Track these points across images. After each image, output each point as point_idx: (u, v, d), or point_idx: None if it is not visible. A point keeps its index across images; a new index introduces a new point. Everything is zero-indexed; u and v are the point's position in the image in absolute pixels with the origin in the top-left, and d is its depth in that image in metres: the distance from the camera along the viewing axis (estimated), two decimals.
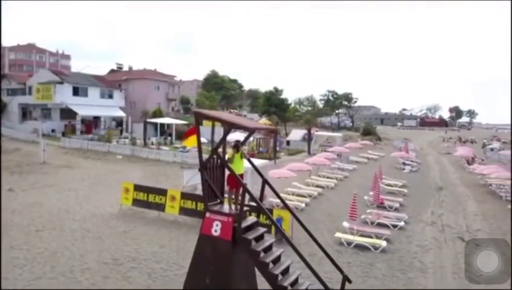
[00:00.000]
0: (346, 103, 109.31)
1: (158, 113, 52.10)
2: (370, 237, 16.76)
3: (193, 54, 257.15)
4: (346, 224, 17.60)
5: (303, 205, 21.37)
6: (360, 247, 15.81)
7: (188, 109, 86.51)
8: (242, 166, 9.73)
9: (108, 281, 11.58)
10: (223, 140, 9.48)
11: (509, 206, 25.17)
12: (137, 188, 18.80)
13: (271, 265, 9.06)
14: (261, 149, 43.82)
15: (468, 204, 25.98)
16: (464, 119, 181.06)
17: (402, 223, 19.18)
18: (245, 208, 9.59)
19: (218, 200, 10.12)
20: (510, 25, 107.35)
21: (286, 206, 10.64)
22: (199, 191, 20.40)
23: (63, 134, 45.64)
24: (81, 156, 35.10)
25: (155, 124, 48.72)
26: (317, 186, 27.32)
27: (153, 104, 57.76)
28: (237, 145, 9.57)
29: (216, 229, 9.37)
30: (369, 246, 15.74)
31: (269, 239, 9.85)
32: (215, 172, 9.99)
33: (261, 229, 9.87)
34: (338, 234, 16.67)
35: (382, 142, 66.37)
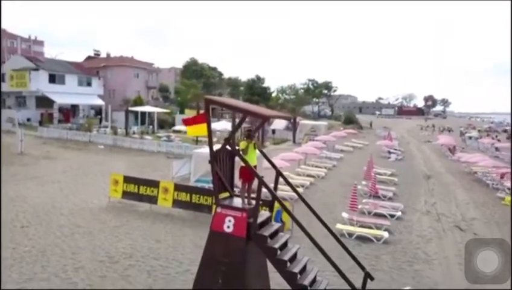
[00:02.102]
0: (326, 91, 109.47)
1: (138, 102, 50.66)
2: (370, 227, 16.45)
3: (168, 42, 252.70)
4: (345, 215, 17.23)
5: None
6: (362, 238, 15.47)
7: (167, 97, 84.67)
8: (255, 157, 9.07)
9: (106, 282, 10.79)
10: (237, 129, 8.75)
11: (498, 194, 25.45)
12: (127, 179, 17.88)
13: (288, 263, 8.49)
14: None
15: (458, 192, 26.10)
16: (438, 107, 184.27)
17: (399, 213, 18.98)
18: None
19: (228, 194, 9.45)
20: (510, 25, 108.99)
21: (303, 200, 9.99)
22: (191, 183, 19.72)
23: (40, 123, 43.75)
24: (61, 146, 33.62)
25: (135, 113, 47.32)
26: (308, 175, 26.93)
27: (133, 92, 56.21)
28: (251, 135, 8.88)
29: (229, 225, 8.69)
30: (371, 238, 15.40)
31: (284, 235, 9.27)
32: (225, 164, 9.29)
33: (275, 225, 9.28)
34: (339, 226, 16.25)
35: (364, 131, 66.68)
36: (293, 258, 8.81)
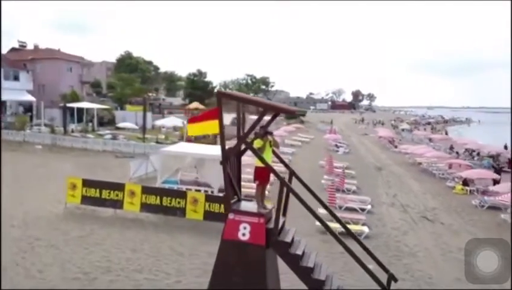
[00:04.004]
0: (264, 87, 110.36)
1: (74, 97, 46.95)
2: (348, 223, 16.29)
3: (96, 34, 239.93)
4: (321, 211, 16.91)
5: (266, 192, 20.24)
6: (342, 234, 15.19)
7: (99, 93, 79.84)
8: (271, 156, 8.31)
9: None
10: (255, 126, 7.90)
11: (447, 184, 26.82)
12: (87, 183, 16.14)
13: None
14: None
15: (411, 183, 27.14)
16: (364, 102, 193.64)
17: (369, 207, 19.11)
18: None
19: (236, 198, 8.60)
20: (510, 25, 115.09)
21: (322, 203, 9.41)
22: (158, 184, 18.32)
23: None
24: None
25: (71, 110, 43.77)
26: None
27: (66, 87, 52.05)
28: (267, 132, 8.08)
29: (244, 233, 7.87)
30: (354, 233, 15.19)
31: (300, 240, 8.61)
32: (233, 165, 8.44)
33: (291, 229, 8.61)
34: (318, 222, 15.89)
35: (306, 125, 67.87)
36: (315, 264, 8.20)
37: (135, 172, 21.46)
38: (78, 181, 16.19)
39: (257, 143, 7.97)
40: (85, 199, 16.11)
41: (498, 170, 28.71)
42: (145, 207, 15.71)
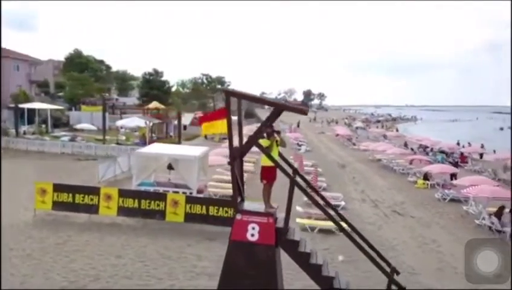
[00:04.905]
0: (220, 86, 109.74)
1: (24, 97, 44.31)
2: (327, 220, 16.60)
3: (36, 32, 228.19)
4: (300, 209, 17.15)
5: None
6: (323, 231, 15.54)
7: (47, 93, 76.02)
8: (277, 155, 8.30)
9: None
10: (265, 125, 7.84)
11: (409, 179, 28.01)
12: (59, 188, 15.35)
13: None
14: (153, 135, 40.67)
15: (375, 179, 28.09)
16: (315, 101, 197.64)
17: (343, 203, 19.56)
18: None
19: (239, 198, 8.53)
20: (510, 25, 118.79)
21: (320, 195, 9.50)
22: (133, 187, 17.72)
23: None
24: None
25: (21, 110, 41.31)
26: None
27: (13, 86, 49.06)
28: (274, 132, 8.06)
29: (253, 233, 7.84)
30: (333, 230, 15.52)
31: (304, 238, 8.69)
32: (237, 164, 8.37)
33: (297, 228, 8.65)
34: (298, 220, 16.09)
35: None
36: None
37: (104, 175, 20.71)
38: (49, 186, 15.36)
39: (264, 142, 7.95)
40: (56, 205, 15.34)
41: (455, 164, 30.39)
42: (122, 211, 15.21)
